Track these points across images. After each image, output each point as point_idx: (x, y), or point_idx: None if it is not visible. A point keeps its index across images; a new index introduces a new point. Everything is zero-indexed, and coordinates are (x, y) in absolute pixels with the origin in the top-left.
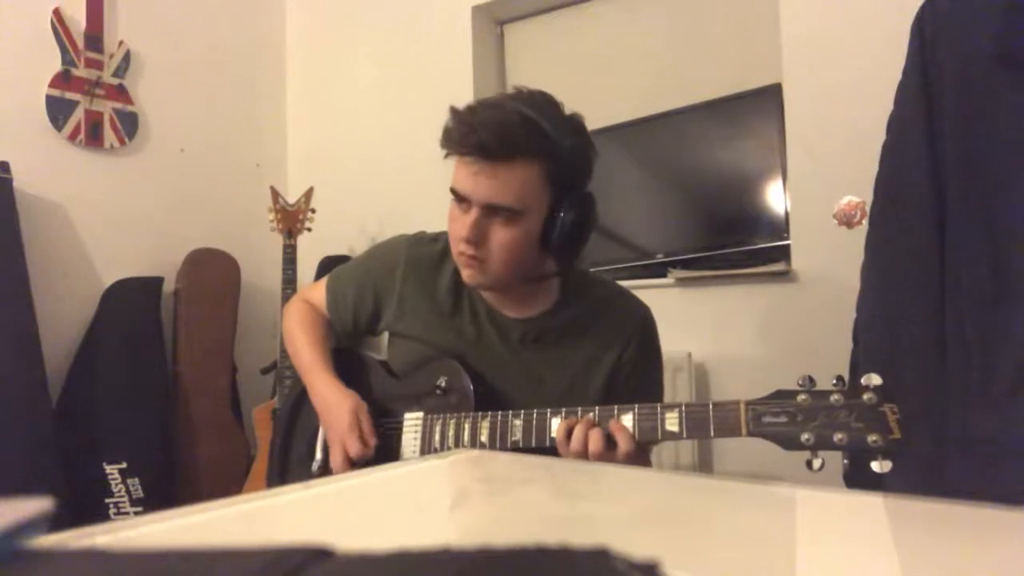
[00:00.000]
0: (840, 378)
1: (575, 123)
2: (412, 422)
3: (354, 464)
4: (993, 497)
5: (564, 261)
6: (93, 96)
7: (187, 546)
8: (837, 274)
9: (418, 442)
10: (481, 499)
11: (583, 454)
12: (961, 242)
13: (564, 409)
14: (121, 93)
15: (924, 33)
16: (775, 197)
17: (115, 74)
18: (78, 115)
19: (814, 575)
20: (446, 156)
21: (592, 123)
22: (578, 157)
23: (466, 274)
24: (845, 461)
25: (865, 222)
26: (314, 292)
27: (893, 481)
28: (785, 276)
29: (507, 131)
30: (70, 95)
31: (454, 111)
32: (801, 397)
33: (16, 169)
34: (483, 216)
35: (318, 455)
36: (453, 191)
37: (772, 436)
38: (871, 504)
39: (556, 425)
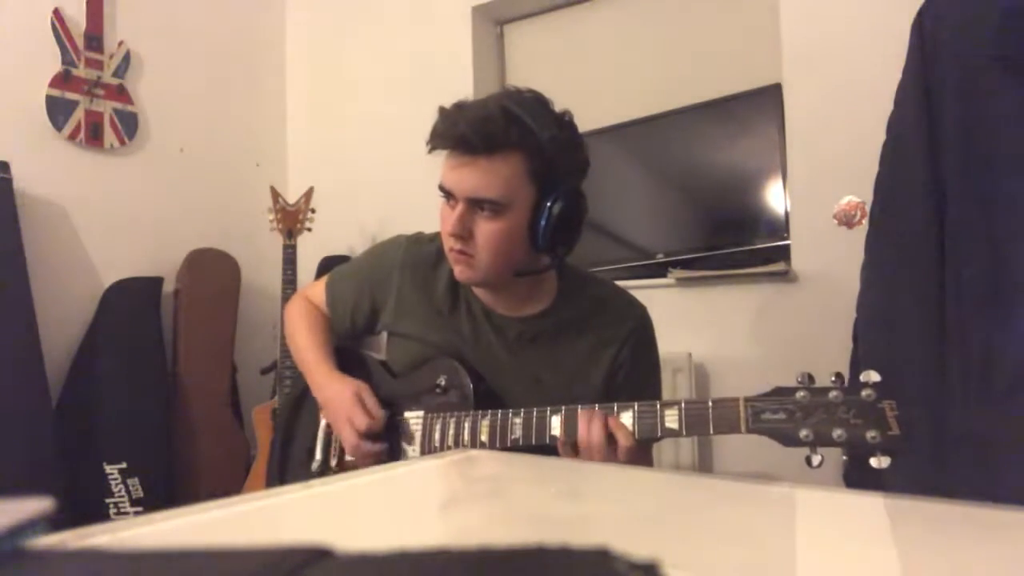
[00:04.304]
0: (839, 375)
1: (562, 119)
2: (413, 421)
3: (366, 438)
4: (993, 496)
5: (553, 256)
6: (93, 96)
7: (187, 546)
8: (837, 274)
9: (419, 441)
10: (481, 499)
11: (584, 451)
12: (961, 241)
13: (564, 407)
14: (121, 93)
15: (924, 33)
16: (775, 197)
17: (115, 74)
18: (78, 115)
19: (814, 575)
20: (431, 151)
21: (592, 123)
22: (562, 151)
23: (457, 270)
24: (844, 458)
25: (865, 222)
26: (314, 290)
27: (893, 480)
28: (785, 276)
29: (488, 125)
30: (70, 95)
31: (441, 109)
32: (800, 394)
33: (16, 169)
34: (468, 210)
35: (317, 455)
36: (441, 188)
37: (771, 433)
38: (871, 504)
39: (556, 423)
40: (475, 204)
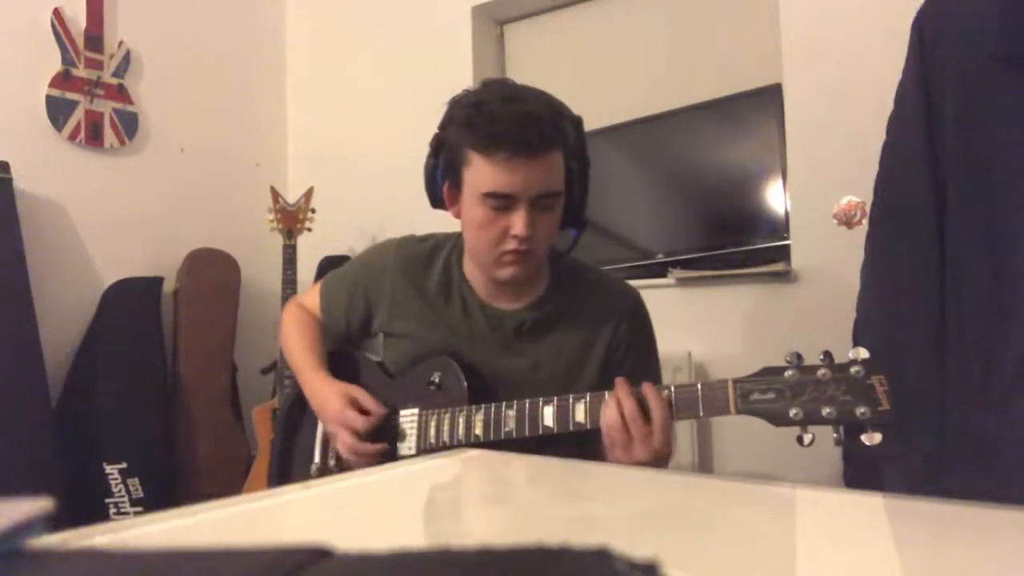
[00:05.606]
0: (827, 353)
1: (564, 105)
2: (408, 419)
3: (363, 438)
4: (993, 496)
5: (580, 232)
6: (93, 96)
7: (187, 546)
8: (837, 274)
9: (415, 438)
10: (481, 499)
11: (624, 425)
12: (961, 241)
13: (556, 398)
14: (121, 93)
15: (924, 33)
16: (775, 197)
17: (115, 74)
18: (78, 115)
19: (814, 575)
20: (463, 152)
21: (592, 123)
22: (581, 134)
23: (513, 271)
24: (835, 435)
25: (865, 222)
26: (309, 297)
27: (893, 480)
28: (785, 276)
29: (543, 124)
30: (70, 95)
31: (462, 109)
32: (789, 373)
33: (16, 169)
34: (530, 208)
35: (316, 457)
36: (491, 194)
37: (761, 413)
38: (871, 504)
39: (548, 414)
40: (536, 201)
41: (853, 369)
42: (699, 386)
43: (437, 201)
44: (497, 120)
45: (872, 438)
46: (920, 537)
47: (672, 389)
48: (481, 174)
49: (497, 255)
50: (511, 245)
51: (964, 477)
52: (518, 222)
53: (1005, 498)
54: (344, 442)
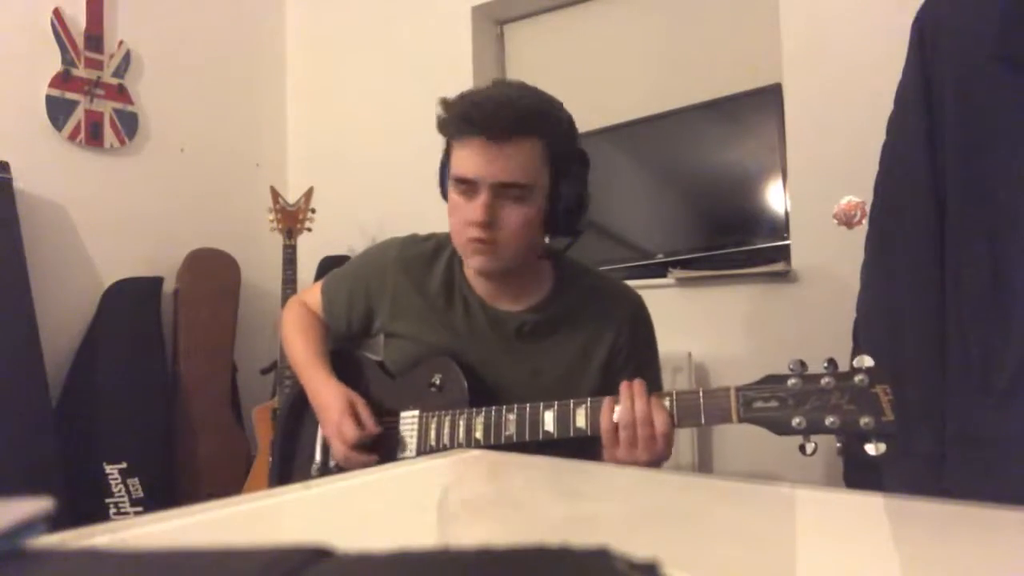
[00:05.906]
0: (831, 361)
1: (560, 103)
2: (409, 421)
3: (357, 448)
4: (993, 497)
5: (570, 237)
6: (93, 96)
7: (187, 546)
8: (837, 274)
9: (415, 441)
10: (481, 499)
11: (627, 429)
12: (961, 241)
13: (556, 403)
14: (121, 93)
15: (924, 33)
16: (775, 197)
17: (115, 74)
18: (78, 115)
19: (814, 575)
20: (450, 141)
21: (592, 123)
22: (571, 137)
23: (478, 260)
24: (838, 444)
25: (865, 222)
26: (311, 295)
27: (893, 480)
28: (785, 276)
29: (511, 110)
30: (70, 95)
31: (447, 100)
32: (792, 381)
33: (16, 169)
34: (493, 197)
35: (317, 457)
36: (457, 179)
37: (763, 421)
38: (871, 504)
39: (549, 419)
40: (501, 190)
41: (857, 378)
42: (700, 393)
43: (445, 195)
44: (471, 106)
45: (877, 448)
46: (920, 537)
47: (674, 396)
48: (453, 159)
49: (463, 243)
50: (472, 233)
51: (964, 478)
52: (475, 208)
53: (1005, 498)
54: (337, 450)
